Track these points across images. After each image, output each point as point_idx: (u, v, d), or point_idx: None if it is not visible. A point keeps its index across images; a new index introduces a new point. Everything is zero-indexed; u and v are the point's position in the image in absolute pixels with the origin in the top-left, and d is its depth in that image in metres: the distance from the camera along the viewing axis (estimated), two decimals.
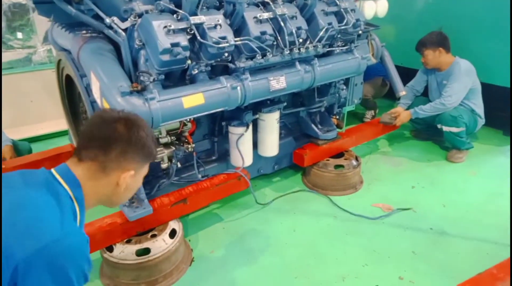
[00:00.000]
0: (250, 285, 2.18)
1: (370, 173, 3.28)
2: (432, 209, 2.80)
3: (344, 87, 2.90)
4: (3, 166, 2.63)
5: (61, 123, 3.44)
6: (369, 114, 4.25)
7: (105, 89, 1.75)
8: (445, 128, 3.35)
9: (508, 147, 3.60)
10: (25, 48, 4.23)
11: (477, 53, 3.51)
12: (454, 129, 3.30)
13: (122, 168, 1.19)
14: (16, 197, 1.04)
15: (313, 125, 3.00)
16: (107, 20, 1.78)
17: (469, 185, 3.09)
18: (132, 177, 1.22)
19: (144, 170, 1.30)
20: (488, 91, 3.49)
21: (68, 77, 2.35)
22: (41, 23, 4.10)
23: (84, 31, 2.03)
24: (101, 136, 1.16)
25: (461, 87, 3.25)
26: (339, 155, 3.13)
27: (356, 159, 3.09)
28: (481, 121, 3.46)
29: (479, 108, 3.41)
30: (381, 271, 2.25)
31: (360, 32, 2.58)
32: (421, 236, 2.54)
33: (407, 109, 3.52)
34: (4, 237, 0.93)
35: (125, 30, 1.84)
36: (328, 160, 3.03)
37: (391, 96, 3.76)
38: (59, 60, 2.38)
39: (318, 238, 2.53)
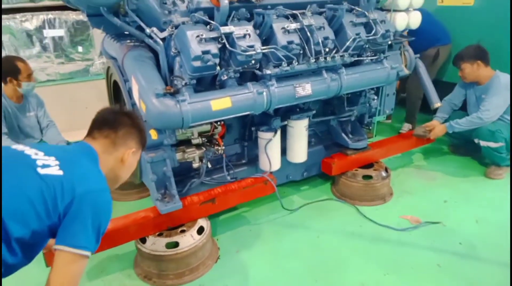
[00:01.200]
0: (271, 283, 2.26)
1: (401, 186, 3.25)
2: (463, 225, 2.73)
3: (375, 97, 2.94)
4: None
5: None
6: (406, 127, 4.20)
7: (143, 91, 1.97)
8: (482, 143, 3.26)
9: None
10: (84, 61, 4.65)
11: None
12: (492, 144, 3.20)
13: (127, 145, 1.57)
14: (69, 157, 1.43)
15: (343, 134, 3.05)
16: (148, 30, 2.01)
17: (506, 203, 2.96)
18: (133, 155, 1.59)
19: (139, 154, 1.68)
20: None
21: (115, 83, 2.61)
22: (99, 38, 4.49)
23: (128, 41, 2.28)
24: (112, 120, 1.57)
25: (500, 101, 3.16)
26: (369, 165, 3.15)
27: (386, 170, 3.09)
28: None
29: None
30: (402, 281, 2.24)
31: (390, 42, 2.63)
32: (449, 250, 2.48)
33: (444, 123, 3.46)
34: (67, 179, 1.31)
35: (163, 39, 2.06)
36: (357, 170, 3.06)
37: (428, 110, 3.71)
38: (108, 67, 2.67)
39: (341, 245, 2.56)
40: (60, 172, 1.31)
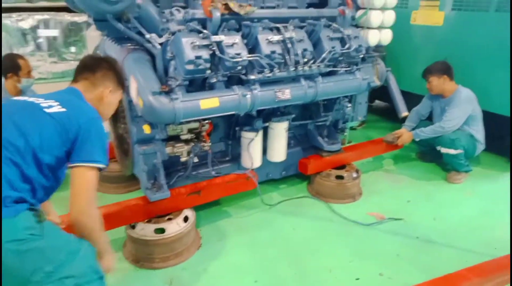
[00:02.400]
0: (249, 268, 2.50)
1: (370, 187, 3.55)
2: (423, 221, 3.04)
3: (349, 105, 3.25)
4: None
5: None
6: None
7: (141, 89, 2.21)
8: (443, 150, 3.60)
9: (509, 173, 3.79)
10: (76, 61, 4.78)
11: (480, 83, 3.78)
12: (452, 151, 3.55)
13: (104, 85, 1.81)
14: (64, 98, 1.69)
15: (319, 137, 3.34)
16: (147, 36, 2.27)
17: (462, 203, 3.30)
18: (111, 93, 1.84)
19: (118, 93, 1.91)
20: (492, 119, 3.73)
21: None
22: (92, 39, 4.69)
23: (128, 44, 2.52)
24: (91, 63, 1.83)
25: (460, 113, 3.51)
26: (342, 167, 3.44)
27: (357, 171, 3.39)
28: (481, 146, 3.68)
29: (479, 134, 3.64)
30: (364, 267, 2.51)
31: (362, 56, 2.95)
32: (408, 242, 2.78)
33: (411, 131, 3.79)
34: (71, 113, 1.60)
35: (160, 44, 2.31)
36: (330, 170, 3.35)
37: (397, 119, 4.05)
38: None
39: (313, 237, 2.83)
40: (63, 109, 1.60)
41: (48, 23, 4.54)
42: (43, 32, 4.56)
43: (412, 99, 4.11)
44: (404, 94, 3.96)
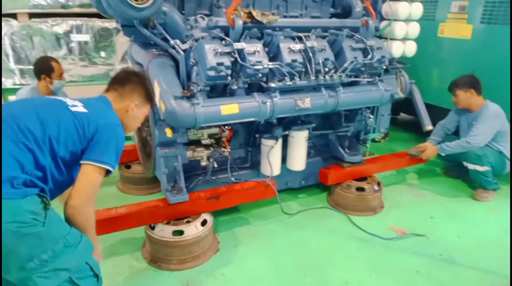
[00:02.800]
0: (265, 276, 2.49)
1: (392, 200, 3.48)
2: (446, 238, 2.94)
3: (371, 116, 3.21)
4: None
5: None
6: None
7: (163, 94, 2.26)
8: (470, 166, 3.49)
9: None
10: (105, 65, 4.98)
11: (508, 98, 3.65)
12: (478, 168, 3.43)
13: (131, 99, 1.89)
14: (90, 102, 1.78)
15: (340, 148, 3.31)
16: (172, 42, 2.32)
17: (488, 222, 3.18)
18: (136, 107, 1.91)
19: (145, 108, 1.98)
20: None
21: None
22: (121, 45, 4.85)
23: (154, 49, 2.60)
24: (122, 77, 1.92)
25: (487, 129, 3.40)
26: (364, 179, 3.39)
27: (378, 184, 3.32)
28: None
29: (508, 151, 3.51)
30: (382, 282, 2.46)
31: (384, 67, 2.91)
32: (429, 259, 2.69)
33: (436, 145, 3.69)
34: (92, 114, 1.69)
35: (184, 50, 2.37)
36: (351, 182, 3.30)
37: (423, 133, 3.96)
38: None
39: (331, 248, 2.79)
40: (86, 110, 1.69)
41: (80, 28, 4.72)
42: (75, 37, 4.74)
43: (437, 113, 4.01)
44: (430, 107, 3.88)
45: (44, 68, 3.20)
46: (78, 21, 4.68)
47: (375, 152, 4.11)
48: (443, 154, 3.61)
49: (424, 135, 3.99)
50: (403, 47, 3.08)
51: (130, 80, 1.90)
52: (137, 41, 2.83)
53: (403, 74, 3.42)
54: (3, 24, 4.34)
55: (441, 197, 3.59)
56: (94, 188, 1.66)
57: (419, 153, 3.64)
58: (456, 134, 3.85)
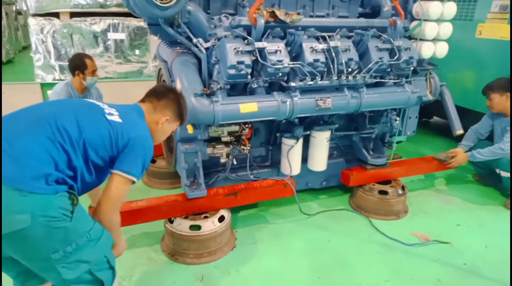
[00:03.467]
0: (280, 275, 2.49)
1: (418, 206, 3.37)
2: (472, 248, 2.82)
3: (397, 118, 3.13)
4: None
5: None
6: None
7: (184, 91, 2.32)
8: (503, 173, 3.33)
9: None
10: (139, 63, 5.16)
11: None
12: None
13: (164, 113, 1.95)
14: (125, 111, 1.86)
15: (364, 150, 3.25)
16: (194, 40, 2.38)
17: None
18: (166, 122, 1.96)
19: (175, 124, 2.04)
20: None
21: (164, 82, 3.01)
22: (155, 43, 5.00)
23: (178, 48, 2.67)
24: (159, 91, 2.00)
25: None
26: (388, 182, 3.31)
27: (403, 188, 3.24)
28: None
29: None
30: None
31: (412, 68, 2.83)
32: (452, 268, 2.60)
33: (467, 151, 3.54)
34: (126, 125, 1.76)
35: (206, 49, 2.42)
36: (374, 184, 3.23)
37: (453, 137, 3.81)
38: (159, 69, 3.08)
39: (349, 251, 2.75)
40: (120, 120, 1.76)
41: (117, 27, 4.91)
42: (112, 35, 4.94)
43: (472, 117, 3.85)
44: (464, 110, 3.73)
45: (78, 65, 3.36)
46: (115, 20, 4.87)
47: (403, 156, 4.00)
48: (475, 161, 3.46)
49: (456, 140, 3.84)
50: (433, 48, 2.97)
51: (166, 96, 1.97)
52: (164, 39, 2.91)
53: (433, 75, 3.30)
54: (46, 22, 4.60)
55: (470, 205, 3.45)
56: (121, 198, 1.79)
57: (447, 158, 3.51)
58: (489, 139, 3.68)
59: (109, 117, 1.73)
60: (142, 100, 1.99)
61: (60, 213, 1.52)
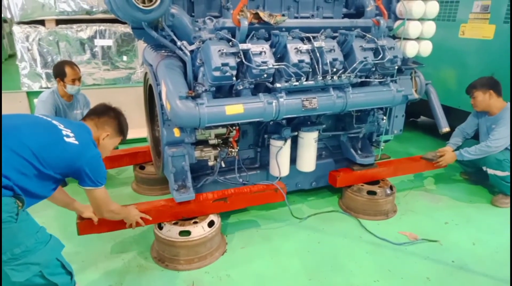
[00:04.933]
0: (270, 278, 2.48)
1: (406, 205, 3.39)
2: (460, 245, 2.84)
3: (384, 117, 3.15)
4: None
5: (143, 132, 4.03)
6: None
7: (169, 94, 2.31)
8: (490, 171, 3.36)
9: None
10: (127, 69, 5.13)
11: None
12: (499, 173, 3.30)
13: (104, 129, 2.14)
14: (79, 132, 2.00)
15: (352, 150, 3.25)
16: (179, 43, 2.37)
17: (506, 229, 3.03)
18: (107, 137, 2.15)
19: (116, 139, 2.24)
20: None
21: (150, 87, 2.99)
22: (142, 49, 4.98)
23: (163, 51, 2.65)
24: (100, 110, 2.20)
25: (508, 132, 3.25)
26: (376, 182, 3.32)
27: (391, 188, 3.25)
28: None
29: None
30: None
31: (397, 67, 2.85)
32: (441, 266, 2.61)
33: (456, 150, 3.56)
34: (81, 148, 1.92)
35: (191, 51, 2.41)
36: (362, 185, 3.24)
37: (443, 136, 3.84)
38: (146, 73, 3.06)
39: (339, 252, 2.75)
40: (77, 142, 1.91)
41: (104, 33, 4.88)
42: (99, 42, 4.91)
43: (458, 115, 3.89)
44: (449, 109, 3.77)
45: (58, 72, 3.33)
46: (101, 27, 4.84)
47: (392, 156, 4.02)
48: (462, 160, 3.49)
49: (443, 139, 3.87)
50: (417, 47, 3.00)
51: (106, 114, 2.18)
52: (149, 43, 2.89)
53: (418, 74, 3.33)
54: (31, 30, 4.56)
55: (458, 203, 3.48)
56: (105, 199, 2.10)
57: (435, 157, 3.53)
58: (475, 138, 3.72)
59: (67, 140, 1.87)
60: (85, 119, 2.17)
61: (6, 216, 1.57)
